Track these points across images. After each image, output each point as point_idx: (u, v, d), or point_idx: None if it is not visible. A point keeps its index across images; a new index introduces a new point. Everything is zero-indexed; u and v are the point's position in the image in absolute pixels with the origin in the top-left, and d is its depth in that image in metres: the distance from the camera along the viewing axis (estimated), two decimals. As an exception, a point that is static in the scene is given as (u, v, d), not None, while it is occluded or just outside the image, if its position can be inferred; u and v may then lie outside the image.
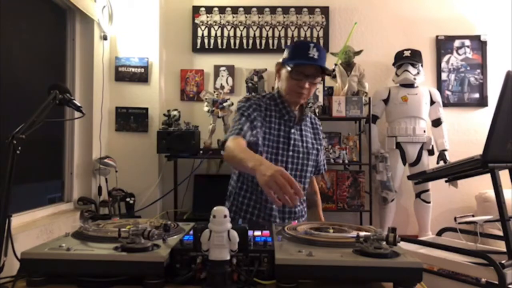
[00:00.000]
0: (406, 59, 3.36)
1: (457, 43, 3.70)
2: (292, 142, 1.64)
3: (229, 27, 3.70)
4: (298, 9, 3.70)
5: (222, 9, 3.70)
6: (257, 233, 1.13)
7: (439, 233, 2.66)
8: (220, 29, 3.70)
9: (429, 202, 3.37)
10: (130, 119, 3.37)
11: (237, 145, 1.42)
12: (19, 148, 1.02)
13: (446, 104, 3.62)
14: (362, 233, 0.98)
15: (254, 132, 1.53)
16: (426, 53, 3.61)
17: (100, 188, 3.01)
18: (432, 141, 3.41)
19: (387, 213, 3.38)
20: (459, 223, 2.39)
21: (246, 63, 3.63)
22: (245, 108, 1.59)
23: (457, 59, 3.71)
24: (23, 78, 2.44)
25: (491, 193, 2.63)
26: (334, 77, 3.43)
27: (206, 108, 3.30)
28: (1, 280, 1.00)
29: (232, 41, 3.68)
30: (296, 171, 1.66)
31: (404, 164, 3.39)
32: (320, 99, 3.28)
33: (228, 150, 1.43)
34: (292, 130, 1.65)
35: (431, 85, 3.64)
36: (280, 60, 1.63)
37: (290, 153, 1.64)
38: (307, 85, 1.56)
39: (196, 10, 3.71)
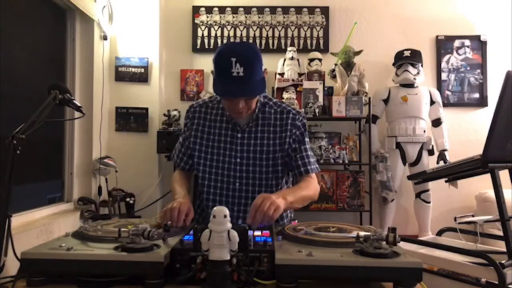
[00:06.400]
0: (406, 59, 3.36)
1: (457, 43, 3.70)
2: (239, 148, 1.52)
3: (229, 27, 3.70)
4: (298, 9, 3.70)
5: (222, 9, 3.70)
6: (257, 233, 1.13)
7: (439, 233, 2.66)
8: (220, 29, 3.70)
9: (429, 202, 3.37)
10: (130, 119, 3.37)
11: (172, 180, 1.65)
12: (19, 148, 1.02)
13: (446, 104, 3.62)
14: (362, 233, 0.98)
15: (186, 158, 1.61)
16: (426, 53, 3.61)
17: (100, 188, 3.01)
18: (432, 141, 3.41)
19: (387, 213, 3.38)
20: (459, 223, 2.39)
21: (246, 63, 3.62)
22: (184, 125, 1.66)
23: (457, 59, 3.71)
24: (23, 78, 2.44)
25: (491, 193, 2.63)
26: (334, 77, 3.43)
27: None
28: (1, 280, 1.00)
29: (232, 41, 3.68)
30: (248, 179, 1.51)
31: (404, 164, 3.39)
32: (320, 99, 3.28)
33: (171, 181, 1.65)
34: (239, 135, 1.53)
35: (431, 85, 3.64)
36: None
37: (238, 160, 1.51)
38: (241, 105, 1.40)
39: (196, 10, 3.71)
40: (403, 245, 2.13)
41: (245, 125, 1.53)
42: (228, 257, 0.89)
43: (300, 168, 1.54)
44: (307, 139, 1.59)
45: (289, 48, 3.44)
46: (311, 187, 1.54)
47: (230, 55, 1.32)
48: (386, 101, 3.44)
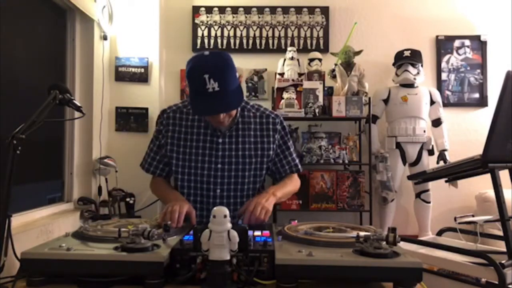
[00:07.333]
0: (406, 59, 3.36)
1: (457, 43, 3.70)
2: (220, 153, 1.50)
3: (229, 27, 3.70)
4: (298, 9, 3.70)
5: (222, 9, 3.70)
6: (257, 233, 1.13)
7: (439, 233, 2.66)
8: (220, 29, 3.70)
9: (429, 202, 3.37)
10: (130, 119, 3.36)
11: (155, 187, 1.66)
12: (19, 148, 1.02)
13: (446, 104, 3.62)
14: (362, 233, 0.98)
15: (162, 166, 1.61)
16: (426, 53, 3.61)
17: (100, 188, 3.01)
18: (432, 141, 3.40)
19: (387, 213, 3.38)
20: (459, 223, 2.39)
21: (246, 63, 3.63)
22: (156, 129, 1.62)
23: (457, 59, 3.71)
24: (23, 78, 2.43)
25: (491, 193, 2.63)
26: (334, 77, 3.43)
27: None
28: (1, 280, 1.00)
29: (232, 41, 3.68)
30: (230, 185, 1.50)
31: (404, 164, 3.39)
32: (320, 99, 3.28)
33: (152, 190, 1.69)
34: (220, 140, 1.51)
35: (431, 85, 3.63)
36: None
37: (219, 165, 1.50)
38: (222, 116, 1.39)
39: (196, 10, 3.71)
40: (403, 245, 2.13)
41: (226, 129, 1.52)
42: (228, 257, 0.89)
43: (287, 172, 1.63)
44: (290, 143, 1.64)
45: (289, 48, 3.44)
46: (294, 182, 1.67)
47: (202, 71, 1.29)
48: (386, 101, 3.44)
